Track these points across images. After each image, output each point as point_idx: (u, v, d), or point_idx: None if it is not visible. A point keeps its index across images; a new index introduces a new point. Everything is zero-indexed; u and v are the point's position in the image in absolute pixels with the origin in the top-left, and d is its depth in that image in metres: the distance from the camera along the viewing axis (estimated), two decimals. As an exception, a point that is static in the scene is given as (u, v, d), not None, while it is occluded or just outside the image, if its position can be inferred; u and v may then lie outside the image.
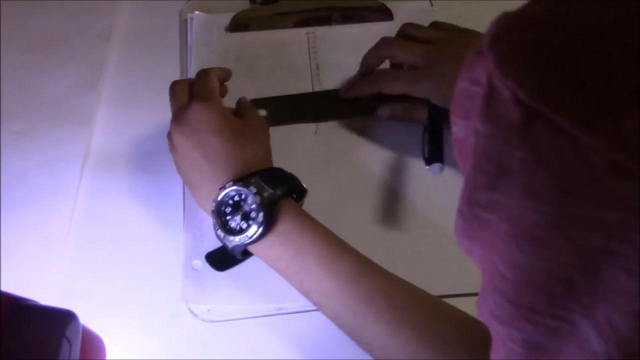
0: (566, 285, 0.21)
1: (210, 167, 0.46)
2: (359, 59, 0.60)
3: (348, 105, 0.58)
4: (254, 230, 0.43)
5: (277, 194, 0.44)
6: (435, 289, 0.43)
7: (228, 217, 0.45)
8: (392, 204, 0.53)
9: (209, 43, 0.64)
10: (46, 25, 0.66)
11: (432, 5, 0.68)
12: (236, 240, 0.44)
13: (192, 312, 0.47)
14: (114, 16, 0.67)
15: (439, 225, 0.51)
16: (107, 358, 0.37)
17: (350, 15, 0.66)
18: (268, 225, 0.43)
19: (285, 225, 0.44)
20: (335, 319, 0.42)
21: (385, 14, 0.66)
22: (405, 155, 0.55)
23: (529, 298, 0.23)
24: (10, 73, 0.61)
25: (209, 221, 0.50)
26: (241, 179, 0.44)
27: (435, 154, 0.49)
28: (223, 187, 0.45)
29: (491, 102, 0.21)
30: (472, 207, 0.24)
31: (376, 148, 0.56)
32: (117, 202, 0.53)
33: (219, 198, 0.45)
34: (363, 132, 0.57)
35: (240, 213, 0.44)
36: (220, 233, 0.45)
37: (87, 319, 0.34)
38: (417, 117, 0.54)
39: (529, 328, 0.23)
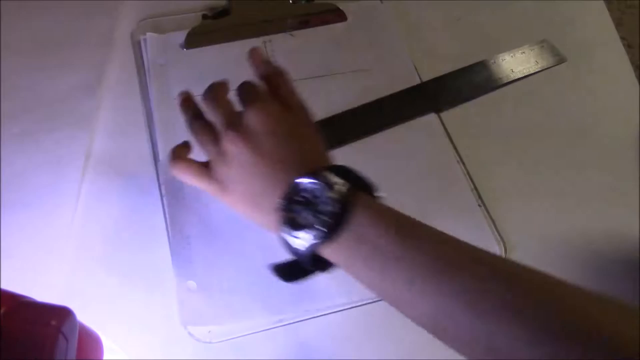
0: None
1: (272, 170, 0.41)
2: (317, 62, 0.61)
3: None
4: (326, 223, 0.37)
5: (351, 188, 0.39)
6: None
7: (295, 215, 0.39)
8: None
9: (167, 62, 0.63)
10: (47, 27, 0.64)
11: (382, 2, 0.69)
12: (309, 237, 0.38)
13: (192, 336, 0.46)
14: (115, 18, 0.65)
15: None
16: (104, 356, 0.37)
17: (305, 20, 0.66)
18: (343, 220, 0.37)
19: (361, 219, 0.37)
20: (444, 329, 0.34)
21: (339, 16, 0.67)
22: (397, 165, 0.56)
23: None
24: (10, 75, 0.59)
25: (196, 241, 0.50)
26: (311, 174, 0.39)
27: None
28: (291, 184, 0.39)
29: None
30: None
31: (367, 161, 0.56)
32: (118, 204, 0.52)
33: (287, 195, 0.39)
34: (354, 144, 0.57)
35: (312, 211, 0.38)
36: (289, 232, 0.39)
37: (87, 319, 0.33)
38: None
39: None
